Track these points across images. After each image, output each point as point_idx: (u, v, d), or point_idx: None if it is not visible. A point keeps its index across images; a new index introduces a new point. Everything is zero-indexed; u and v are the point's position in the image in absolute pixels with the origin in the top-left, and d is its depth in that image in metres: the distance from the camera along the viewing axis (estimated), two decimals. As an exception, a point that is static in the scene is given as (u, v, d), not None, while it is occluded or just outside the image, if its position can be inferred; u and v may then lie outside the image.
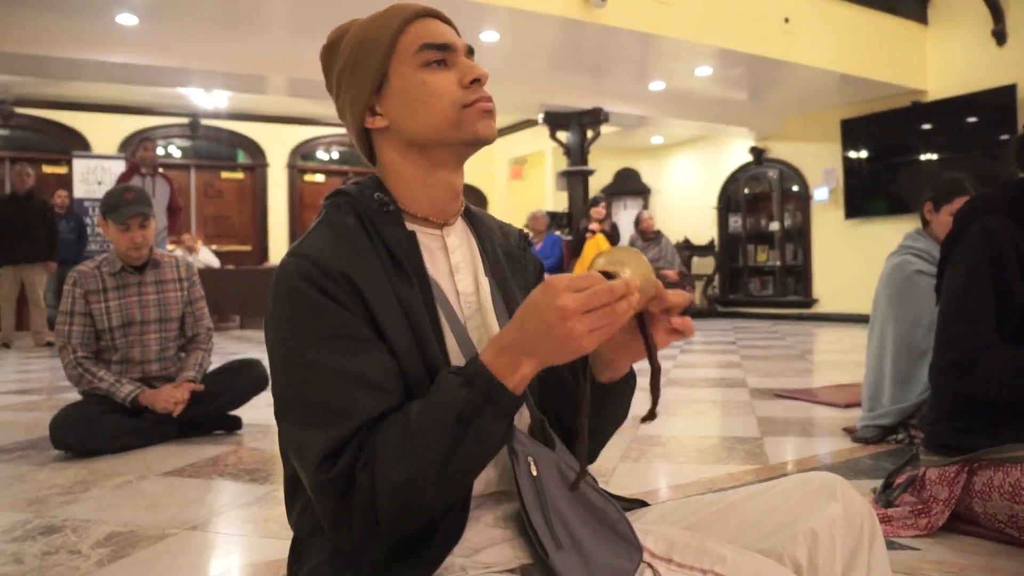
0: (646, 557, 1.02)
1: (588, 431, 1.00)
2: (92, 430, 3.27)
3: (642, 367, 1.06)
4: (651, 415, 1.00)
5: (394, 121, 1.06)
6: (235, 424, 3.74)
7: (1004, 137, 9.18)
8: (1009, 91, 9.15)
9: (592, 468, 1.14)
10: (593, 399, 1.04)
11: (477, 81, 1.04)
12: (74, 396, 3.69)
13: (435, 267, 1.07)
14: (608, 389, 1.07)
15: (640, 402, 1.10)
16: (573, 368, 0.98)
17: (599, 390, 1.06)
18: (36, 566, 1.98)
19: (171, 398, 3.44)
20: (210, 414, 3.64)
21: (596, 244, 9.18)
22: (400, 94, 1.05)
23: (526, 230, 9.81)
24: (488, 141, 1.06)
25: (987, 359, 1.93)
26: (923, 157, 10.32)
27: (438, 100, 1.03)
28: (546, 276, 1.00)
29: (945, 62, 9.92)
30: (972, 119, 9.64)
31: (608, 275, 0.87)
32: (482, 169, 14.76)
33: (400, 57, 1.05)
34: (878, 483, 2.39)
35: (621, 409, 1.13)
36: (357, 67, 1.07)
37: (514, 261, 1.19)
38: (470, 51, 1.08)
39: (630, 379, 1.10)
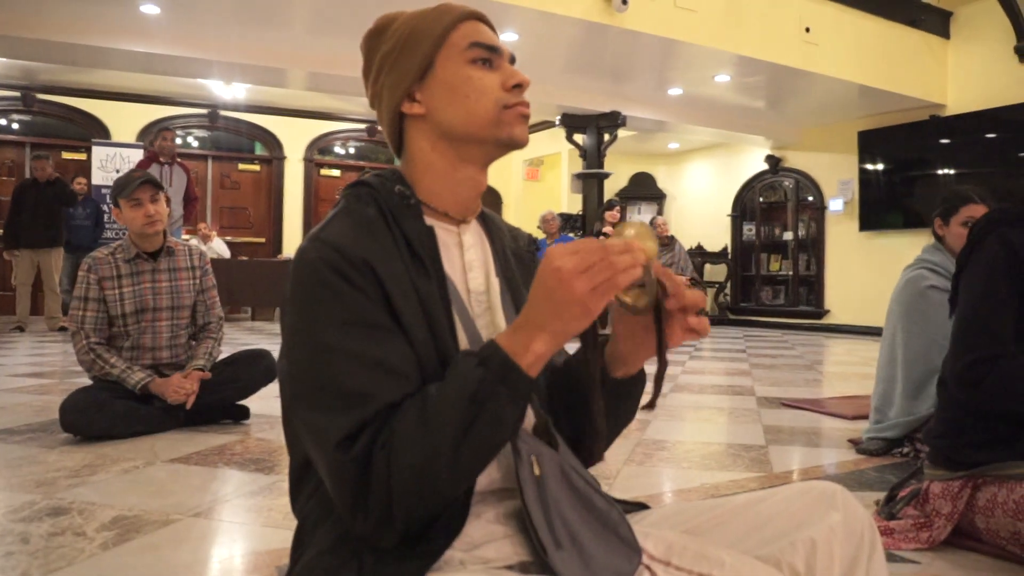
0: (645, 559, 1.02)
1: (597, 431, 1.03)
2: (101, 415, 3.30)
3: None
4: (651, 404, 1.05)
5: (432, 110, 1.08)
6: (243, 414, 3.76)
7: (1023, 154, 9.12)
8: (1030, 108, 9.09)
9: (596, 470, 1.15)
10: (606, 396, 1.06)
11: (519, 86, 1.08)
12: (85, 381, 3.72)
13: (450, 263, 1.08)
14: (621, 385, 1.09)
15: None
16: (584, 353, 1.01)
17: (612, 385, 1.08)
18: (42, 547, 2.00)
19: (181, 388, 3.46)
20: (218, 403, 3.66)
21: None
22: (444, 84, 1.07)
23: (538, 231, 9.89)
24: (521, 145, 1.09)
25: (1002, 369, 1.90)
26: (940, 171, 10.27)
27: (481, 96, 1.06)
28: None
29: (965, 77, 9.88)
30: (991, 135, 9.59)
31: None
32: (498, 169, 14.67)
33: (448, 51, 1.08)
34: (882, 495, 2.39)
35: (629, 408, 1.14)
36: (404, 53, 1.09)
37: (523, 264, 1.21)
38: (512, 60, 1.12)
39: (641, 379, 1.12)
